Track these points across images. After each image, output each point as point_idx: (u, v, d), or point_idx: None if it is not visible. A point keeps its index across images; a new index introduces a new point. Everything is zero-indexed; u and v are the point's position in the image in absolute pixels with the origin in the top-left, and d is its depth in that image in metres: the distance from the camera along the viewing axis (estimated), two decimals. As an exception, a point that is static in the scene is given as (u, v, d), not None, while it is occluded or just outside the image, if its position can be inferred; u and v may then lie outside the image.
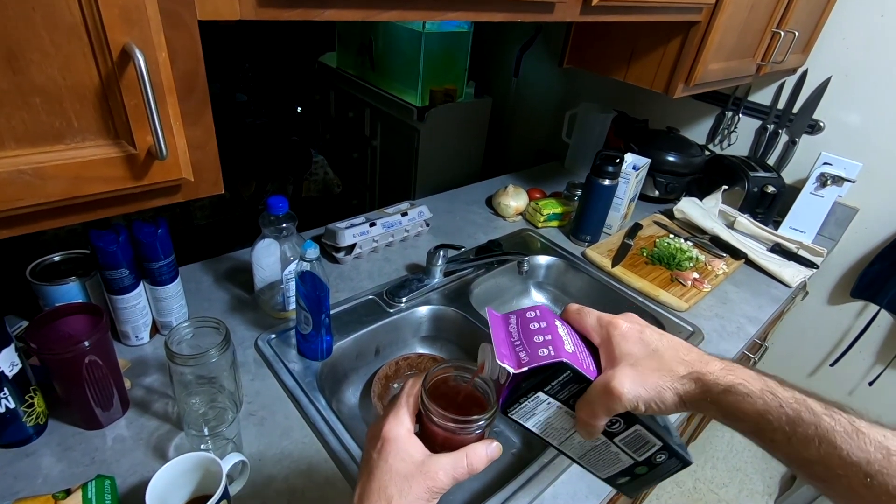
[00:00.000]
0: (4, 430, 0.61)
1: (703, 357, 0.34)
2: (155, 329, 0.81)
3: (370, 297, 0.96)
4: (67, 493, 0.55)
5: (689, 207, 1.33)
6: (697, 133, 1.57)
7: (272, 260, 0.85)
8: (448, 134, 1.99)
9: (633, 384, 0.33)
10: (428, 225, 1.17)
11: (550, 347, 0.35)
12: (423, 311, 0.96)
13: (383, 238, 1.08)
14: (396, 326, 0.94)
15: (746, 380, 0.31)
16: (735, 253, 1.23)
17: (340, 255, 1.03)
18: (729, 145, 1.52)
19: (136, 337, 0.79)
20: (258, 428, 0.69)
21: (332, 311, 0.88)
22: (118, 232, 0.71)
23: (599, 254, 1.16)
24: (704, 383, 0.32)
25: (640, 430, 0.37)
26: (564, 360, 0.34)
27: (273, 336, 0.84)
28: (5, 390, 0.58)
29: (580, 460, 0.42)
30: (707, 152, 1.49)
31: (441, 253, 0.98)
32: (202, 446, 0.60)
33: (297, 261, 0.81)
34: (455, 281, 1.02)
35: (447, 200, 1.35)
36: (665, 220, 1.36)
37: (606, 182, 1.14)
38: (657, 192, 1.44)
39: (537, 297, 1.19)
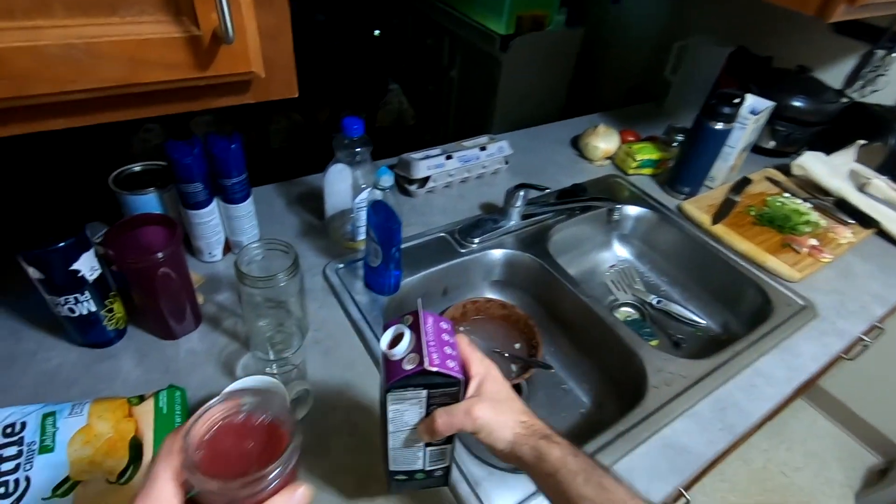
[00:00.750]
0: (88, 332, 0.63)
1: (534, 418, 0.43)
2: (227, 247, 0.81)
3: (441, 234, 0.90)
4: (141, 399, 0.55)
5: (812, 163, 1.13)
6: (832, 76, 1.32)
7: (344, 186, 0.81)
8: (532, 66, 1.83)
9: (488, 414, 0.40)
10: (507, 163, 1.08)
11: (456, 363, 0.40)
12: (497, 254, 0.90)
13: (459, 173, 1.00)
14: (466, 268, 0.89)
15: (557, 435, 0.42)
16: (865, 220, 1.04)
17: (413, 187, 0.98)
18: (872, 92, 1.27)
19: (210, 254, 0.79)
20: (323, 357, 0.68)
21: (402, 245, 0.83)
22: (193, 145, 0.68)
23: (698, 208, 1.03)
24: (535, 429, 0.42)
25: (448, 448, 0.45)
26: (461, 378, 0.40)
27: (341, 266, 0.82)
28: (86, 293, 0.59)
29: (391, 449, 0.45)
30: (844, 99, 1.25)
31: (521, 193, 0.89)
32: (267, 369, 0.59)
33: (369, 189, 0.76)
34: (533, 225, 0.94)
35: (529, 138, 1.24)
36: (779, 177, 1.18)
37: (719, 126, 0.98)
38: (773, 143, 1.24)
39: (620, 252, 1.09)
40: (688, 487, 0.67)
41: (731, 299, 0.94)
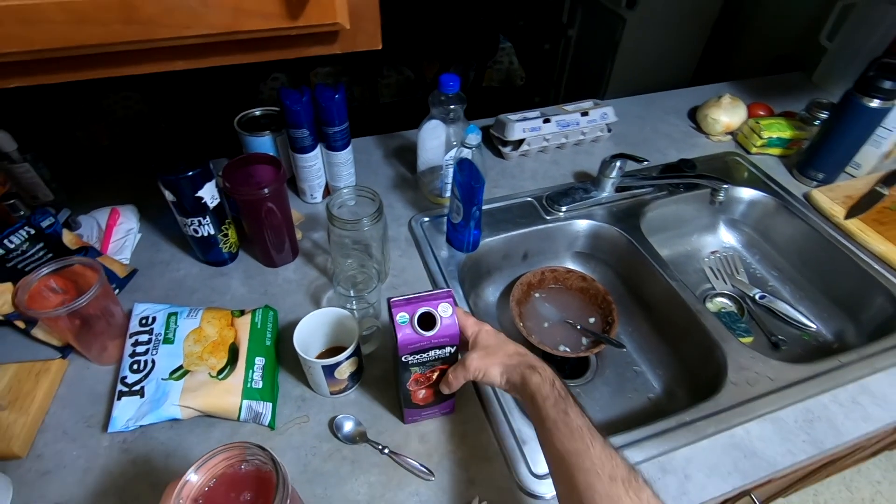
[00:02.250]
0: (207, 251, 0.74)
1: (528, 354, 0.51)
2: (327, 191, 0.88)
3: (529, 198, 0.89)
4: (242, 312, 0.64)
5: None
6: None
7: (437, 143, 0.83)
8: (661, 26, 1.67)
9: (479, 361, 0.49)
10: (610, 130, 1.02)
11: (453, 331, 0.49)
12: (583, 224, 0.87)
13: (555, 137, 0.97)
14: (550, 235, 0.87)
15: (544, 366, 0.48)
16: None
17: (507, 149, 0.97)
18: None
19: (311, 196, 0.86)
20: (397, 301, 0.72)
21: (486, 207, 0.85)
22: (303, 93, 0.74)
23: (831, 198, 0.90)
24: (523, 361, 0.49)
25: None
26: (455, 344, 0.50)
27: (426, 219, 0.85)
28: (207, 218, 0.69)
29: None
30: None
31: (617, 163, 0.85)
32: (347, 305, 0.65)
33: (458, 147, 0.77)
34: (627, 199, 0.89)
35: (640, 105, 1.15)
36: (952, 170, 0.98)
37: (875, 103, 0.84)
38: (952, 130, 1.03)
39: (726, 238, 0.99)
40: (768, 501, 0.63)
41: (853, 305, 0.82)
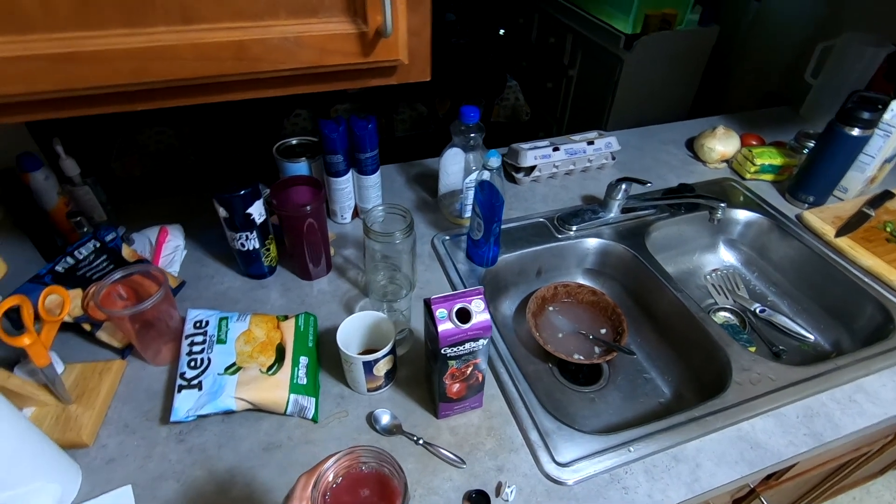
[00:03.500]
0: (250, 265, 0.81)
1: None
2: (356, 213, 0.96)
3: (541, 219, 0.97)
4: (286, 317, 0.71)
5: (978, 180, 1.00)
6: None
7: (457, 168, 0.91)
8: (657, 66, 1.79)
9: None
10: (614, 158, 1.11)
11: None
12: (592, 242, 0.94)
13: (564, 164, 1.06)
14: (562, 252, 0.94)
15: None
16: None
17: (520, 175, 1.05)
18: None
19: (342, 217, 0.94)
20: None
21: (503, 226, 0.92)
22: (339, 123, 0.83)
23: (821, 219, 0.97)
24: None
25: None
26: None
27: (447, 237, 0.92)
28: (254, 233, 0.76)
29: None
30: None
31: (623, 186, 0.93)
32: (379, 312, 0.71)
33: (479, 170, 0.85)
34: (633, 219, 0.97)
35: (640, 136, 1.24)
36: (933, 194, 1.05)
37: (855, 132, 0.92)
38: (932, 157, 1.11)
39: (726, 256, 1.06)
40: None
41: (847, 316, 0.88)
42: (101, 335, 0.68)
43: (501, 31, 2.06)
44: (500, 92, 1.92)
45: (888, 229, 0.95)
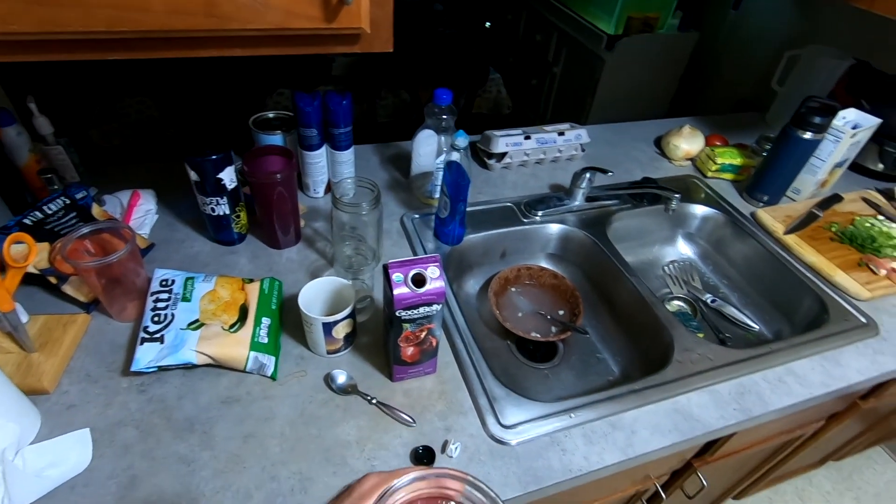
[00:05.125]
0: (220, 231, 0.82)
1: None
2: (328, 188, 0.98)
3: (509, 204, 1.00)
4: (251, 280, 0.73)
5: (920, 189, 1.06)
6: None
7: (429, 150, 0.94)
8: (637, 68, 1.84)
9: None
10: (584, 150, 1.15)
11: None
12: (555, 228, 0.98)
13: (535, 153, 1.09)
14: (526, 236, 0.98)
15: None
16: (969, 255, 0.97)
17: (491, 161, 1.08)
18: None
19: (315, 190, 0.96)
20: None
21: (470, 209, 0.95)
22: (315, 97, 0.85)
23: (773, 217, 1.02)
24: None
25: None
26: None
27: (417, 216, 0.95)
28: (224, 198, 0.78)
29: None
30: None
31: (587, 175, 0.97)
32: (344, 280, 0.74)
33: (448, 150, 0.88)
34: (596, 208, 1.01)
35: (612, 132, 1.29)
36: (879, 200, 1.12)
37: (807, 135, 0.97)
38: (881, 166, 1.18)
39: (684, 249, 1.11)
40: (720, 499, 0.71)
41: (789, 308, 0.93)
42: (68, 289, 0.70)
43: (487, 25, 2.09)
44: (483, 84, 1.96)
45: (833, 229, 1.01)
